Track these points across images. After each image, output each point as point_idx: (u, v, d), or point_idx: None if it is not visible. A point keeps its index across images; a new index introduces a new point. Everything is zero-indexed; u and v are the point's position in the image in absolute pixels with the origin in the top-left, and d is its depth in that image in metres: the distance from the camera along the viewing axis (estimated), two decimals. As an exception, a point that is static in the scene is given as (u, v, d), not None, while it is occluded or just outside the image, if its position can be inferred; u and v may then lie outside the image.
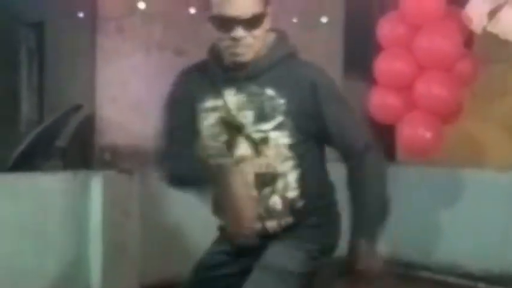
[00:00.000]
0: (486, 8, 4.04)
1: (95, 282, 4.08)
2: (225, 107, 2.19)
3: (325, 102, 2.18)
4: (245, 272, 2.20)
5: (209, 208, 2.30)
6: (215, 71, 2.22)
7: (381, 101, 4.33)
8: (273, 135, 2.17)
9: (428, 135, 4.19)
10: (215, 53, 2.22)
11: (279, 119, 2.16)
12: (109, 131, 6.01)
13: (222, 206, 2.14)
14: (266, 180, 2.18)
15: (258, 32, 2.14)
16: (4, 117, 6.61)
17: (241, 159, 2.17)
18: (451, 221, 4.80)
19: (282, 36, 2.26)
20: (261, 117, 2.17)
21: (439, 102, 4.16)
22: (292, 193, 2.20)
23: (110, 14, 6.16)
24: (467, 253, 4.69)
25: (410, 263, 4.98)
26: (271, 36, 2.23)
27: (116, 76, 6.24)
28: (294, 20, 5.62)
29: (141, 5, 5.94)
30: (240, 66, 2.17)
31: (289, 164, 2.19)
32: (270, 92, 2.17)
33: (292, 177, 2.19)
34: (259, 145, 2.17)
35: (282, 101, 2.16)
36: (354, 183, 2.20)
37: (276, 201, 2.19)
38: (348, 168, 2.22)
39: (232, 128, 2.19)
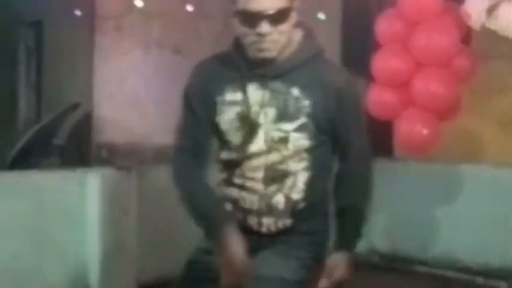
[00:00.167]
0: (485, 4, 4.03)
1: (94, 280, 4.08)
2: (246, 102, 2.14)
3: (346, 110, 2.17)
4: None
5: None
6: (239, 64, 2.15)
7: (379, 98, 4.32)
8: (294, 136, 2.13)
9: (425, 131, 4.18)
10: (239, 47, 2.15)
11: (302, 120, 2.13)
12: (106, 128, 6.03)
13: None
14: (275, 176, 2.15)
15: (284, 27, 2.09)
16: (2, 115, 6.62)
17: (255, 155, 2.14)
18: (449, 216, 4.80)
19: (309, 34, 2.21)
20: (284, 116, 2.13)
21: (436, 98, 4.15)
22: (298, 195, 2.17)
23: (107, 13, 6.17)
24: (465, 248, 4.69)
25: (408, 257, 4.98)
26: (299, 33, 2.18)
27: (114, 74, 6.25)
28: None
29: (139, 4, 5.95)
30: (266, 62, 2.12)
31: (302, 165, 2.16)
32: (295, 91, 2.13)
33: (302, 178, 2.17)
34: (277, 144, 2.14)
35: (307, 103, 2.12)
36: (343, 186, 2.23)
37: (279, 200, 2.16)
38: (342, 170, 2.24)
39: (250, 124, 2.15)
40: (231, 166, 2.17)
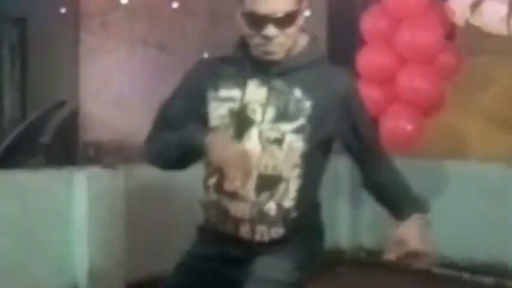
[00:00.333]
0: (469, 1, 4.06)
1: (81, 279, 4.07)
2: (242, 99, 2.11)
3: (357, 114, 2.16)
4: (229, 283, 2.15)
5: (198, 202, 2.23)
6: (242, 62, 2.14)
7: (364, 94, 4.34)
8: (290, 137, 2.09)
9: (409, 127, 4.21)
10: (244, 46, 2.13)
11: (301, 122, 2.09)
12: (93, 126, 6.01)
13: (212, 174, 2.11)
14: (268, 183, 2.11)
15: (290, 30, 2.07)
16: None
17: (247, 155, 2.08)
18: (435, 212, 4.81)
19: (314, 39, 2.20)
20: (283, 116, 2.09)
21: (420, 94, 4.18)
22: (289, 203, 2.13)
23: (93, 10, 6.14)
24: (451, 243, 4.72)
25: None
26: (304, 38, 2.17)
27: (99, 72, 6.23)
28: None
29: (124, 1, 5.93)
30: (270, 63, 2.10)
31: (296, 171, 2.12)
32: (297, 92, 2.10)
33: (294, 185, 2.12)
34: (271, 144, 2.09)
35: (308, 104, 2.09)
36: (385, 175, 2.22)
37: (271, 207, 2.11)
38: (372, 168, 2.22)
39: (244, 121, 2.11)
40: (221, 170, 2.08)
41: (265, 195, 2.11)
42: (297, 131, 2.09)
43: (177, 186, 4.20)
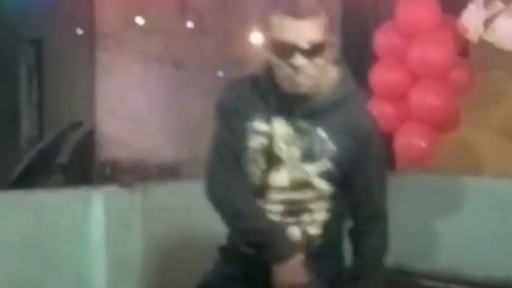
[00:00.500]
0: (482, 17, 4.08)
1: (98, 298, 4.09)
2: (270, 135, 2.06)
3: (370, 160, 2.11)
4: None
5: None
6: (268, 95, 2.08)
7: (377, 111, 4.35)
8: (316, 178, 2.07)
9: (423, 144, 4.22)
10: (270, 75, 2.06)
11: (327, 164, 2.06)
12: (109, 145, 6.06)
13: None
14: (294, 210, 2.09)
15: (320, 60, 2.00)
16: (4, 133, 6.65)
17: (277, 190, 2.08)
18: (450, 228, 4.82)
19: (345, 73, 2.12)
20: (308, 157, 2.06)
21: (433, 111, 4.19)
22: (315, 230, 2.11)
23: (108, 30, 6.22)
24: (468, 260, 4.69)
25: (410, 271, 4.99)
26: (334, 72, 2.09)
27: (115, 90, 6.29)
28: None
29: (139, 20, 6.00)
30: (296, 97, 2.03)
31: (322, 205, 2.11)
32: (322, 133, 2.05)
33: (320, 217, 2.11)
34: (300, 185, 2.07)
35: (333, 147, 2.06)
36: (363, 244, 2.16)
37: (294, 233, 2.10)
38: (360, 226, 2.17)
39: (273, 159, 2.07)
40: None
41: (290, 220, 2.09)
42: (323, 175, 2.07)
43: (194, 205, 4.21)
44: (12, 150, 6.51)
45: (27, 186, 4.94)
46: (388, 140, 4.60)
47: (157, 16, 6.11)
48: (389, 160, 5.13)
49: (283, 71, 2.01)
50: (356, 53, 5.45)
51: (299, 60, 1.98)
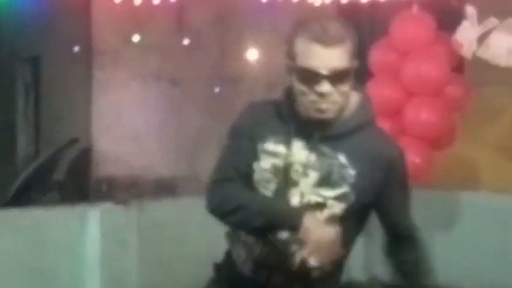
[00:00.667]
0: (476, 34, 4.10)
1: (94, 315, 4.08)
2: (287, 157, 2.04)
3: (395, 185, 2.10)
4: None
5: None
6: (288, 119, 2.06)
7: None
8: (331, 204, 2.04)
9: (417, 160, 4.22)
10: (291, 100, 2.06)
11: (344, 190, 2.03)
12: (105, 162, 6.06)
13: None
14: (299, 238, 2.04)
15: (345, 87, 1.99)
16: (1, 150, 6.65)
17: None
18: (446, 243, 4.82)
19: (366, 99, 2.11)
20: (325, 181, 2.03)
21: (427, 127, 4.21)
22: (315, 262, 2.04)
23: (104, 47, 6.24)
24: (464, 275, 4.69)
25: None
26: (355, 97, 2.08)
27: (111, 107, 6.30)
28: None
29: (136, 38, 6.02)
30: (318, 121, 2.02)
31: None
32: (342, 158, 2.03)
33: None
34: (311, 208, 2.03)
35: (352, 173, 2.03)
36: (406, 257, 2.21)
37: (294, 261, 2.04)
38: (399, 244, 2.20)
39: (287, 181, 2.04)
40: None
41: (293, 247, 2.04)
42: (339, 198, 2.04)
43: (190, 222, 4.22)
44: (8, 168, 6.50)
45: (23, 203, 4.94)
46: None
47: (153, 33, 6.13)
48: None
49: (308, 97, 1.99)
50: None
51: (325, 87, 1.96)
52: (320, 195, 2.03)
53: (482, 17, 4.13)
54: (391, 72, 4.30)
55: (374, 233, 2.25)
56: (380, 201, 2.11)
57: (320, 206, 2.04)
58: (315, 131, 2.03)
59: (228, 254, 2.18)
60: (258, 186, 2.07)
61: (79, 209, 4.16)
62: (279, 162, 2.05)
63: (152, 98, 6.29)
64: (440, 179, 4.65)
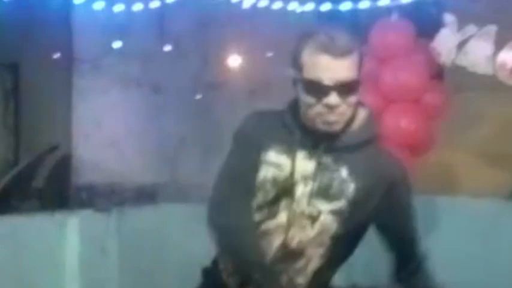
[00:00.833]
0: (454, 41, 4.13)
1: (74, 323, 4.06)
2: (287, 167, 2.00)
3: (399, 205, 2.06)
4: None
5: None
6: (292, 129, 2.03)
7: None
8: (325, 217, 1.99)
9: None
10: (295, 111, 2.03)
11: (341, 203, 1.99)
12: (85, 169, 6.04)
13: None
14: (287, 256, 2.02)
15: (353, 99, 1.97)
16: (-19, 158, 6.61)
17: (276, 226, 2.01)
18: (427, 247, 4.84)
19: (371, 114, 2.10)
20: (323, 194, 1.99)
21: (406, 135, 4.23)
22: (302, 280, 2.04)
23: (85, 55, 6.23)
24: (444, 280, 4.71)
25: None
26: (363, 112, 2.06)
27: (92, 114, 6.29)
28: (269, 54, 5.69)
29: (117, 44, 6.01)
30: (324, 133, 1.98)
31: (320, 250, 2.03)
32: (344, 172, 1.99)
33: (313, 264, 2.04)
34: (304, 220, 2.00)
35: (352, 187, 1.98)
36: (412, 273, 2.18)
37: (281, 281, 2.02)
38: (401, 262, 2.18)
39: (285, 191, 2.01)
40: None
41: (280, 266, 2.01)
42: (335, 212, 1.99)
43: (170, 229, 4.21)
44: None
45: (3, 211, 4.90)
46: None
47: (135, 40, 6.12)
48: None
49: (315, 110, 1.95)
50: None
51: (333, 99, 1.92)
52: (315, 207, 1.99)
53: (461, 24, 4.17)
54: (370, 80, 4.32)
55: (374, 236, 2.24)
56: (381, 222, 2.07)
57: (313, 218, 1.99)
58: (321, 141, 2.00)
59: (215, 263, 2.15)
60: (257, 193, 2.03)
61: (58, 217, 4.13)
62: (279, 172, 2.01)
63: (133, 104, 6.28)
64: (420, 185, 4.67)
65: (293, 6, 5.18)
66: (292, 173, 1.99)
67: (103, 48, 6.09)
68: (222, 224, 2.03)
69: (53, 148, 5.95)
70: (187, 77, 6.14)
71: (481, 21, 4.19)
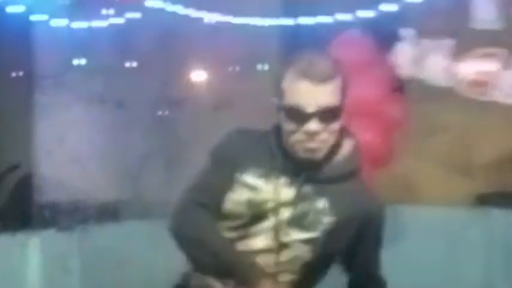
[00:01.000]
0: (412, 55, 4.21)
1: None
2: (263, 192, 1.94)
3: (370, 241, 2.05)
4: None
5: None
6: (275, 153, 1.97)
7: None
8: (297, 246, 1.95)
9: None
10: (277, 137, 1.98)
11: (315, 234, 1.95)
12: (48, 187, 5.97)
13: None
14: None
15: (335, 126, 1.92)
16: None
17: (254, 251, 1.96)
18: (389, 257, 4.88)
19: (357, 145, 2.07)
20: (298, 223, 1.94)
21: (368, 147, 4.26)
22: None
23: (46, 71, 6.17)
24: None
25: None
26: (349, 143, 2.03)
27: (54, 131, 6.22)
28: (232, 70, 5.71)
29: (79, 61, 5.98)
30: (309, 161, 1.93)
31: (290, 277, 1.99)
32: (322, 203, 1.95)
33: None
34: (276, 246, 1.95)
35: (328, 219, 1.95)
36: None
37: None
38: None
39: (259, 216, 1.95)
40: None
41: None
42: (308, 242, 1.95)
43: (133, 246, 4.19)
44: None
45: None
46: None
47: (97, 56, 6.10)
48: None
49: (296, 137, 1.91)
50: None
51: (313, 125, 1.88)
52: (288, 236, 1.95)
53: (418, 38, 4.25)
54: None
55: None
56: (351, 253, 2.04)
57: (284, 246, 1.96)
58: (303, 169, 1.95)
59: (187, 277, 2.08)
60: (226, 215, 1.98)
61: (20, 237, 4.09)
62: (254, 196, 1.95)
63: (96, 121, 6.24)
64: (383, 195, 4.72)
65: (255, 21, 5.23)
66: (268, 198, 1.94)
67: (65, 64, 6.05)
68: (185, 231, 1.98)
69: (14, 167, 5.88)
70: (150, 93, 6.12)
71: (438, 35, 4.28)
